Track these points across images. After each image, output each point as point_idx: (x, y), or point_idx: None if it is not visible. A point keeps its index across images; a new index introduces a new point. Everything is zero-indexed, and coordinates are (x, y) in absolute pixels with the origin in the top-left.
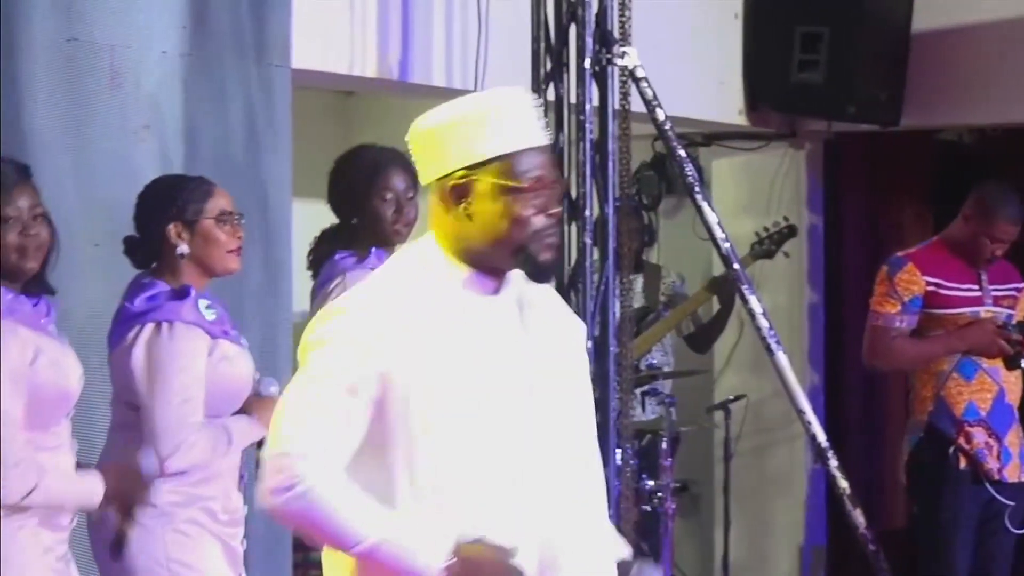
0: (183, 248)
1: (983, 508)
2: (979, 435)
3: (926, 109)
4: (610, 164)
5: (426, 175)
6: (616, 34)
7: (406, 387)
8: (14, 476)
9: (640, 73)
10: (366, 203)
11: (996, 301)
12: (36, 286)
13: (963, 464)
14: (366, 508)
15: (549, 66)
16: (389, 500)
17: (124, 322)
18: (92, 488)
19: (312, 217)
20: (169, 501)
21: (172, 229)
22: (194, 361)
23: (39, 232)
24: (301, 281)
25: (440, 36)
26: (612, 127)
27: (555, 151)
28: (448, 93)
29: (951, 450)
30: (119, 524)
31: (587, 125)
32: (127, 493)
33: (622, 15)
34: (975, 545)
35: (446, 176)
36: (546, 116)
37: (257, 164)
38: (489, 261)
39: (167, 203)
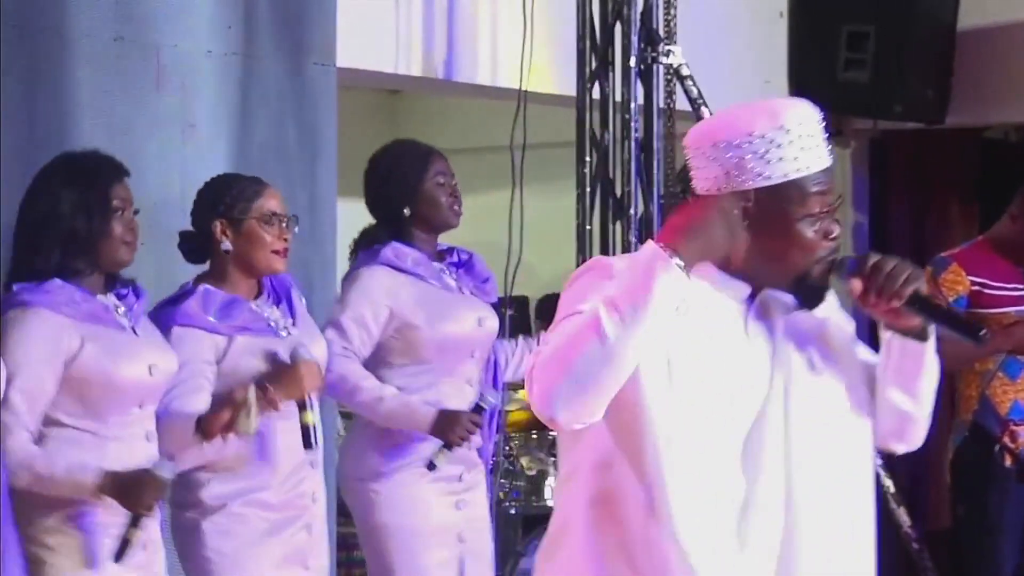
0: (227, 245)
1: None
2: (1023, 434)
3: (972, 107)
4: (655, 163)
5: (701, 186)
6: (661, 32)
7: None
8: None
9: (685, 71)
10: (420, 189)
11: None
12: (114, 278)
13: (1008, 463)
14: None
15: (594, 64)
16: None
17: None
18: (79, 484)
19: (358, 216)
20: (213, 495)
21: (218, 226)
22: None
23: (136, 227)
24: None
25: (485, 34)
26: (657, 126)
27: (600, 150)
28: (493, 92)
29: (996, 449)
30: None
31: (632, 124)
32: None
33: (667, 13)
34: (1021, 545)
35: (729, 193)
36: (591, 114)
37: (302, 163)
38: (760, 279)
39: (216, 200)
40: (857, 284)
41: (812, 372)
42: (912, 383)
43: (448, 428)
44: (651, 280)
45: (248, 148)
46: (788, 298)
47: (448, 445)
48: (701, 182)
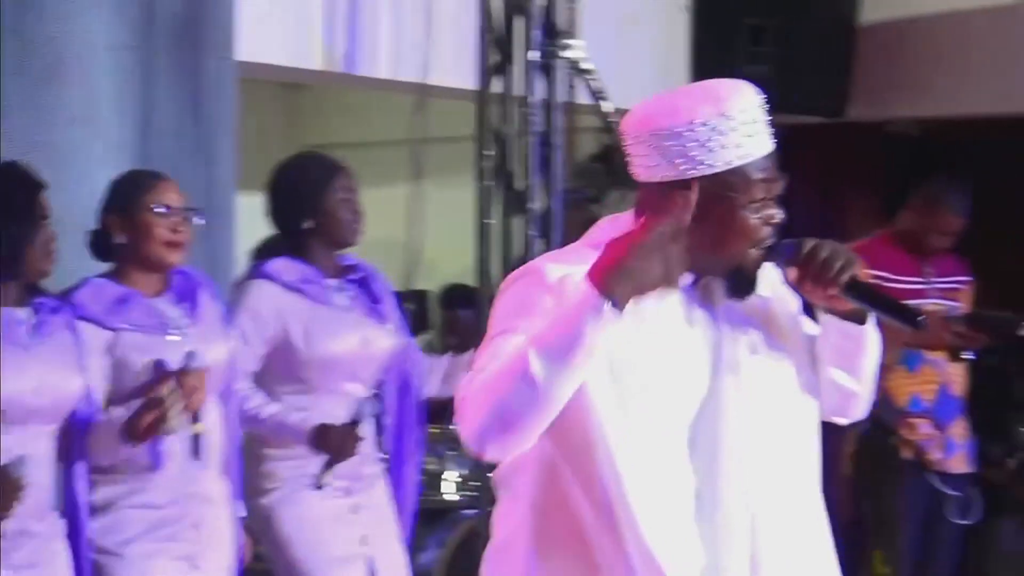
0: (120, 239)
1: (928, 498)
2: (923, 426)
3: (873, 101)
4: (556, 157)
5: (643, 175)
6: (562, 27)
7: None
8: None
9: (586, 65)
10: (323, 205)
11: (941, 294)
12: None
13: (907, 454)
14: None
15: (495, 58)
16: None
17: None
18: None
19: (258, 210)
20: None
21: (112, 220)
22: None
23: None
24: None
25: (387, 28)
26: (558, 120)
27: (501, 144)
28: (394, 85)
29: (895, 441)
30: None
31: (533, 118)
32: None
33: (569, 7)
34: (921, 535)
35: (671, 182)
36: (492, 108)
37: (202, 158)
38: (700, 267)
39: (111, 196)
40: (793, 271)
41: (757, 356)
42: (853, 363)
43: (326, 443)
44: (582, 327)
45: (148, 142)
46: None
47: (331, 462)
48: (643, 170)
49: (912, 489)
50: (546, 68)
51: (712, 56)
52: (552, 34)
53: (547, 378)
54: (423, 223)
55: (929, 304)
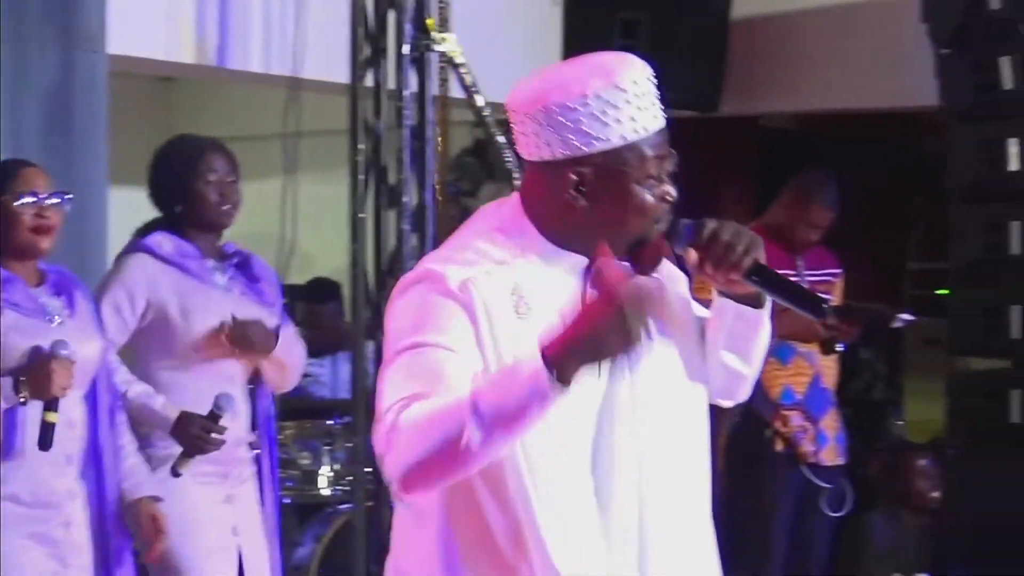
0: None
1: (800, 491)
2: (795, 418)
3: (746, 95)
4: (429, 151)
5: (533, 153)
6: (435, 20)
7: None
8: None
9: (459, 59)
10: (190, 188)
11: (812, 286)
12: None
13: (779, 447)
14: (454, 398)
15: (368, 52)
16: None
17: None
18: None
19: (131, 204)
20: None
21: None
22: None
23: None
24: None
25: (259, 21)
26: (431, 113)
27: (373, 138)
28: (266, 79)
29: (767, 433)
30: None
31: (406, 111)
32: None
33: (441, 1)
34: (793, 527)
35: (560, 161)
36: (364, 102)
37: (73, 150)
38: (584, 246)
39: None
40: (693, 254)
41: (652, 343)
42: (746, 346)
43: (184, 433)
44: (529, 408)
45: (19, 134)
46: (623, 265)
47: (188, 454)
48: (532, 149)
49: (784, 481)
50: (418, 62)
51: (585, 50)
52: (424, 28)
53: (482, 448)
54: (296, 218)
55: None
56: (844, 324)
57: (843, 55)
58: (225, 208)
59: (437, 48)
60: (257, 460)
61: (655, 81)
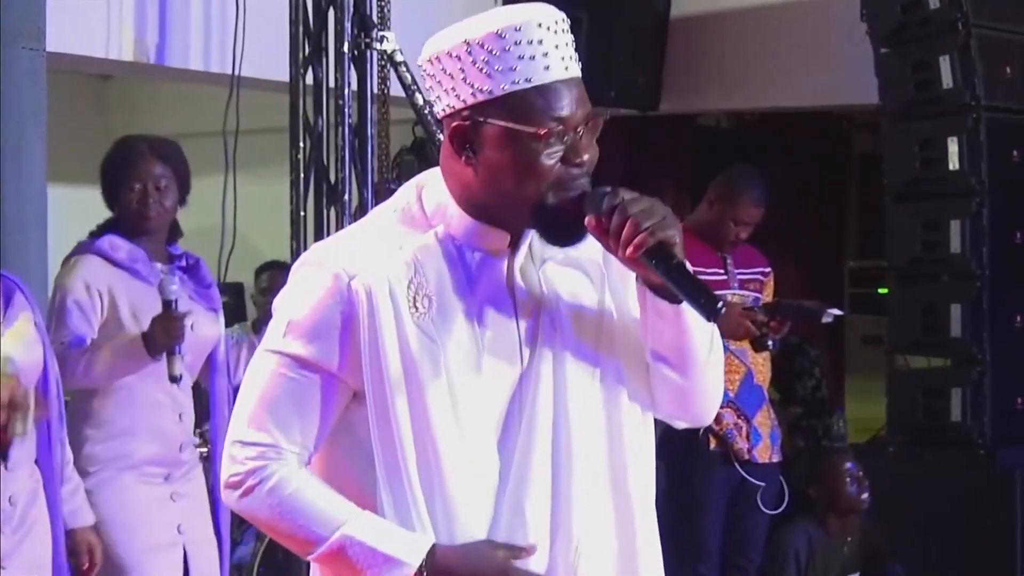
0: None
1: (735, 488)
2: (728, 416)
3: (685, 94)
4: (369, 149)
5: (438, 109)
6: (375, 18)
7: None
8: None
9: (399, 57)
10: (118, 196)
11: (742, 285)
12: None
13: (713, 445)
14: (332, 504)
15: (308, 50)
16: (366, 499)
17: None
18: None
19: (68, 202)
20: None
21: None
22: None
23: None
24: (56, 267)
25: (198, 19)
26: (371, 111)
27: (314, 135)
28: (205, 77)
29: (701, 431)
30: None
31: (346, 109)
32: None
33: (380, 0)
34: (728, 525)
35: (451, 115)
36: (305, 100)
37: (10, 149)
38: (499, 218)
39: None
40: (591, 222)
41: (574, 328)
42: (672, 351)
43: (157, 335)
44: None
45: None
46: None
47: (172, 351)
48: (433, 105)
49: (718, 479)
50: (359, 60)
51: None
52: (364, 26)
53: (321, 563)
54: (236, 215)
55: (730, 295)
56: (774, 321)
57: (780, 54)
58: (149, 215)
59: (377, 46)
60: (212, 456)
61: (561, 32)
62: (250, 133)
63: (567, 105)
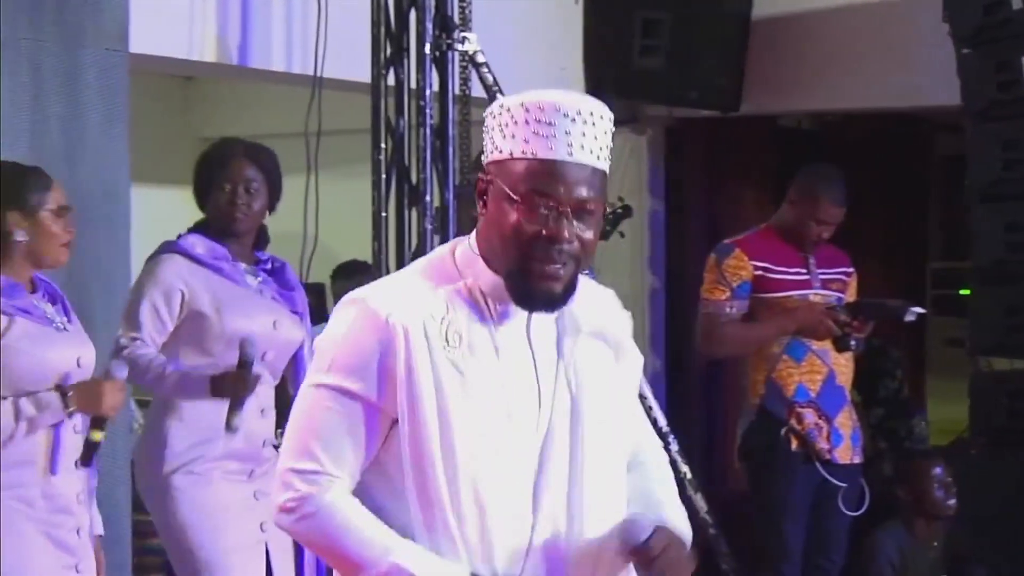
0: (20, 236)
1: (816, 489)
2: (809, 416)
3: (766, 95)
4: (450, 150)
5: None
6: (456, 19)
7: (414, 403)
8: None
9: (480, 59)
10: (209, 197)
11: (825, 284)
12: None
13: (795, 445)
14: (381, 531)
15: (389, 51)
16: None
17: None
18: None
19: (152, 203)
20: None
21: (12, 216)
22: None
23: None
24: (140, 267)
25: (280, 20)
26: (452, 113)
27: (395, 136)
28: (288, 78)
29: (783, 431)
30: None
31: (427, 110)
32: None
33: (462, 1)
34: (810, 526)
35: (483, 167)
36: (386, 101)
37: (96, 150)
38: (499, 271)
39: (9, 190)
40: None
41: (592, 395)
42: None
43: (225, 385)
44: None
45: (41, 135)
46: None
47: (235, 404)
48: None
49: (800, 480)
50: (440, 61)
51: (605, 49)
52: (445, 27)
53: None
54: (319, 216)
55: (812, 294)
56: (856, 321)
57: (862, 55)
58: (236, 216)
59: (459, 47)
60: None
61: (582, 122)
62: (332, 134)
63: (558, 184)
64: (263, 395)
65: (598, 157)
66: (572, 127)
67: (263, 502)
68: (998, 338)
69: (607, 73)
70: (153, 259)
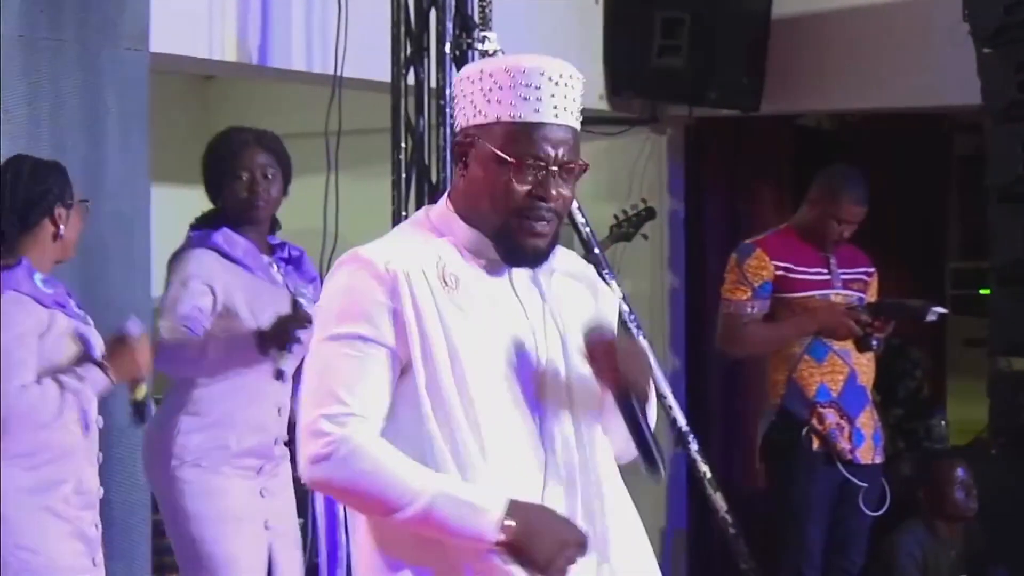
0: (63, 230)
1: (837, 489)
2: (830, 415)
3: (786, 95)
4: None
5: (458, 121)
6: (476, 18)
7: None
8: None
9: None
10: (223, 186)
11: (846, 284)
12: None
13: (816, 445)
14: (413, 467)
15: (409, 50)
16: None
17: None
18: None
19: (171, 202)
20: (18, 486)
21: (60, 212)
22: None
23: None
24: (160, 266)
25: (300, 20)
26: None
27: (415, 136)
28: (307, 77)
29: (804, 432)
30: None
31: (447, 110)
32: None
33: (482, 0)
34: (831, 526)
35: (459, 131)
36: (406, 100)
37: (115, 149)
38: (482, 229)
39: (54, 184)
40: (593, 343)
41: (577, 333)
42: (621, 436)
43: (276, 336)
44: (461, 540)
45: (61, 133)
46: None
47: (283, 348)
48: (456, 121)
49: (821, 479)
50: (460, 60)
51: (626, 48)
52: (465, 26)
53: (405, 525)
54: (338, 215)
55: (833, 294)
56: (877, 320)
57: (882, 54)
58: (257, 204)
59: (479, 47)
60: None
61: (563, 85)
62: (352, 133)
63: (545, 145)
64: (280, 393)
65: (576, 118)
66: (556, 90)
67: (268, 499)
68: (1018, 338)
69: (627, 72)
70: (185, 254)
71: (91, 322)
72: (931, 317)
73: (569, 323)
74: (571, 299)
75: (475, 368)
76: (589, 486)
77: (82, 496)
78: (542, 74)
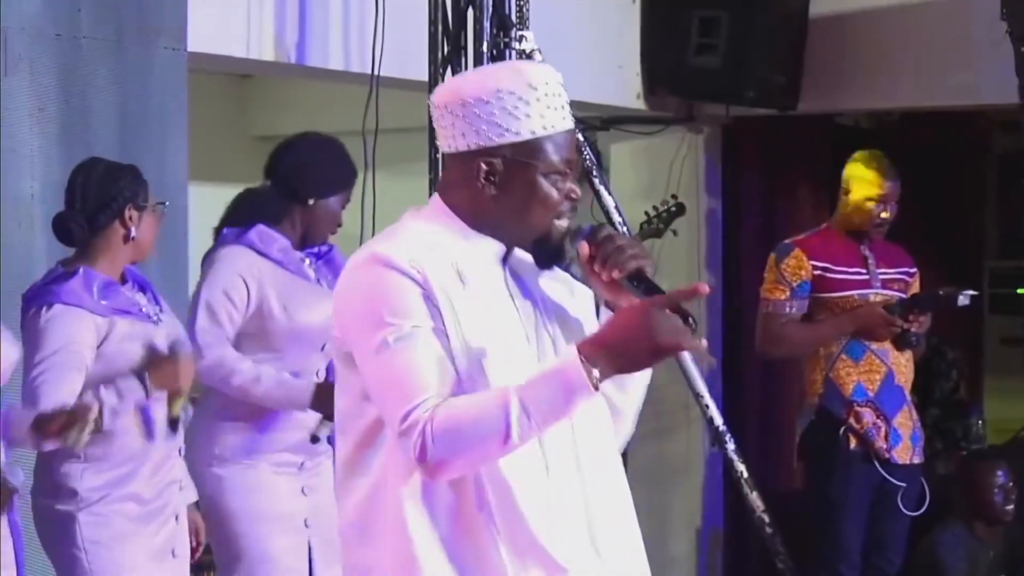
0: (135, 232)
1: (875, 489)
2: (867, 415)
3: (823, 94)
4: None
5: (451, 145)
6: (514, 18)
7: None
8: None
9: (538, 57)
10: (327, 203)
11: (885, 284)
12: None
13: (853, 444)
14: (483, 396)
15: (446, 50)
16: None
17: (24, 304)
18: None
19: (208, 200)
20: (90, 487)
21: (128, 213)
22: (66, 340)
23: None
24: (198, 264)
25: (337, 19)
26: None
27: None
28: (345, 76)
29: (841, 431)
30: None
31: None
32: None
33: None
34: (869, 525)
35: (476, 151)
36: None
37: (153, 148)
38: (501, 235)
39: (125, 187)
40: (584, 248)
41: (566, 332)
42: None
43: (328, 401)
44: (571, 405)
45: (98, 132)
46: (531, 258)
47: (329, 416)
48: (450, 140)
49: (859, 479)
50: (497, 60)
51: (663, 48)
52: (503, 25)
53: (522, 438)
54: (375, 214)
55: (872, 294)
56: (913, 317)
57: (919, 53)
58: (333, 230)
59: (516, 46)
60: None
61: (563, 88)
62: (389, 132)
63: (574, 151)
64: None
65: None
66: (563, 94)
67: (310, 497)
68: None
69: (664, 71)
70: (221, 250)
71: (163, 318)
72: (964, 301)
73: (558, 321)
74: (555, 299)
75: (496, 359)
76: (587, 482)
77: (143, 504)
78: (555, 82)
